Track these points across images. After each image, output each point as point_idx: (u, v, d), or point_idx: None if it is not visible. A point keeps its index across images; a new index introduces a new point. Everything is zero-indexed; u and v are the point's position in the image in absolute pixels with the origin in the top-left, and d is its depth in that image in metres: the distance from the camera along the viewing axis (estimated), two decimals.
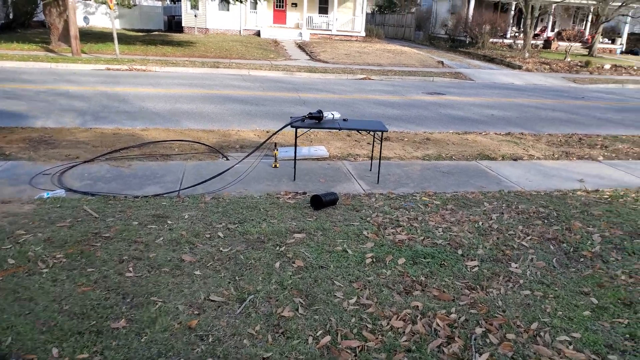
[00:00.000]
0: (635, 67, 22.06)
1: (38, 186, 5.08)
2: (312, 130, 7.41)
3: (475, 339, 2.75)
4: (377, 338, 2.72)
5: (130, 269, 3.29)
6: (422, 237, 4.06)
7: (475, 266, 3.62)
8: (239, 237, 3.89)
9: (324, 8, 28.90)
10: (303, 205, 4.73)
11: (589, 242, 4.19)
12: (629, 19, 28.37)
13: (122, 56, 15.47)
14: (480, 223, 4.47)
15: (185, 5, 25.17)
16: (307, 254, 3.63)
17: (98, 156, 6.19)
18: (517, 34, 29.82)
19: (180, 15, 26.25)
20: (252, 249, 3.69)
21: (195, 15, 24.91)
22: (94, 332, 2.63)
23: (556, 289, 3.38)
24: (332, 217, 4.45)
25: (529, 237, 4.21)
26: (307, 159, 6.59)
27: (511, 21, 28.99)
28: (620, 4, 24.46)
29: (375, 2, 45.21)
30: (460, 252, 3.83)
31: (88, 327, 2.66)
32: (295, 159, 5.81)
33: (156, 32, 25.98)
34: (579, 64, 21.25)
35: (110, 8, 13.98)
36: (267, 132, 7.93)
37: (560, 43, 28.45)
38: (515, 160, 7.18)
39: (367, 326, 2.83)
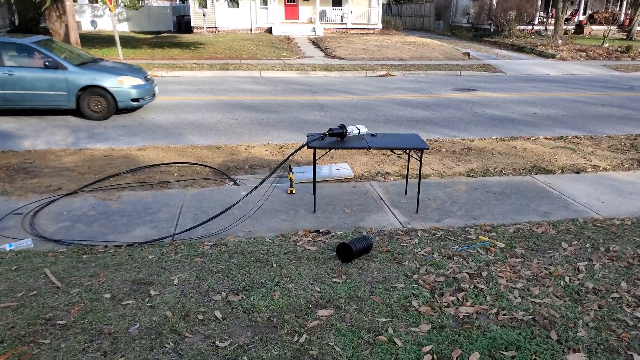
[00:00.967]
0: None
1: (3, 232, 4.18)
2: None
3: None
4: None
5: None
6: (495, 310, 2.95)
7: None
8: (243, 317, 2.85)
9: (337, 0, 27.57)
10: (327, 255, 3.67)
11: None
12: None
13: (126, 61, 14.57)
14: (567, 279, 3.33)
15: (193, 4, 24.04)
16: (338, 349, 2.56)
17: (83, 187, 5.24)
18: (545, 19, 27.96)
19: (190, 15, 25.26)
20: (260, 341, 2.63)
21: (203, 14, 23.85)
22: None
23: None
24: (367, 275, 3.37)
25: None
26: (328, 181, 5.53)
27: (539, 5, 27.12)
28: None
29: None
30: (554, 336, 2.71)
31: None
32: (314, 184, 4.76)
33: (165, 34, 25.11)
34: (619, 49, 19.48)
35: (110, 10, 13.04)
36: (281, 147, 6.87)
37: (594, 27, 26.51)
38: (577, 173, 5.98)
39: None
